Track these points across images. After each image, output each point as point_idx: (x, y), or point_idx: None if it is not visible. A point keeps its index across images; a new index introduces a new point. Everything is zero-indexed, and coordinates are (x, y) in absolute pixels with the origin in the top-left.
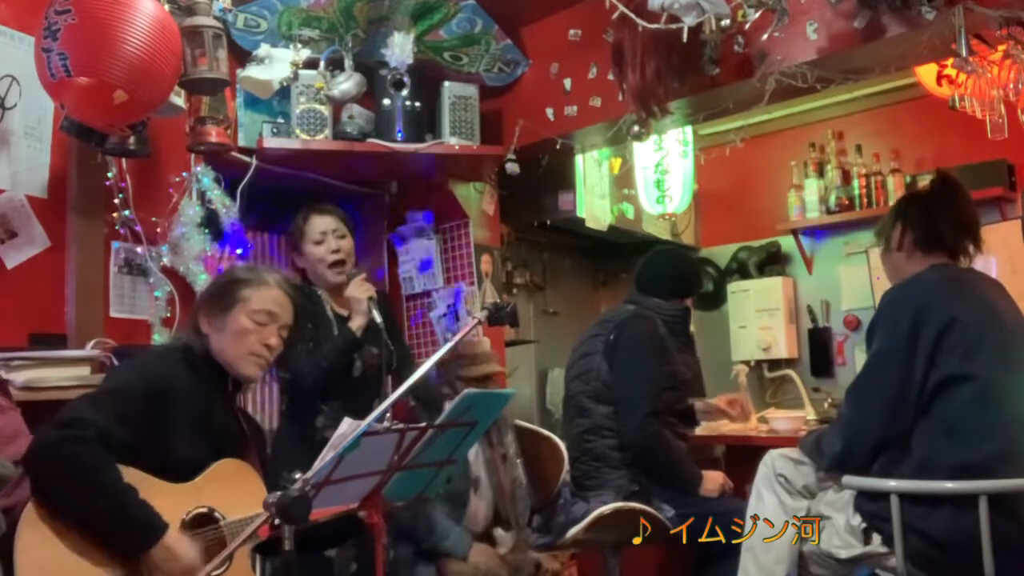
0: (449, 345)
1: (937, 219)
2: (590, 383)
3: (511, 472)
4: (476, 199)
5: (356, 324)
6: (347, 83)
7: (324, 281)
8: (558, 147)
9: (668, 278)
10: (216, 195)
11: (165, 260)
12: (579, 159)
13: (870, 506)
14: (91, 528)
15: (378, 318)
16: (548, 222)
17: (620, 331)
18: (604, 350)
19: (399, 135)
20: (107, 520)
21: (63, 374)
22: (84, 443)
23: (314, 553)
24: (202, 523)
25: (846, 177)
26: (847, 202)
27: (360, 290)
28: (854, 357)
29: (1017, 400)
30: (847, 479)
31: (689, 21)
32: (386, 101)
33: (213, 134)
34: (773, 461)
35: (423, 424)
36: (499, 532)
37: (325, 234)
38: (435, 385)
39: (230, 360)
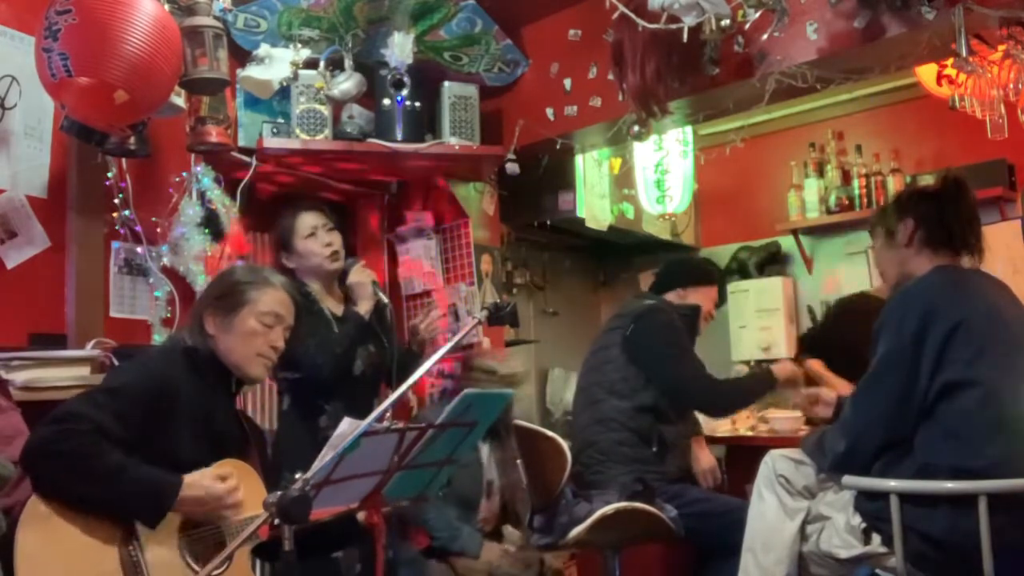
0: (449, 345)
1: (949, 218)
2: (606, 374)
3: (514, 472)
4: (476, 199)
5: (363, 309)
6: (347, 83)
7: (320, 275)
8: (558, 147)
9: (676, 270)
10: (216, 195)
11: (165, 260)
12: (579, 159)
13: (870, 506)
14: (106, 512)
15: (384, 299)
16: (548, 222)
17: (639, 322)
18: (622, 342)
19: (399, 135)
20: (119, 499)
21: (63, 374)
22: (78, 436)
23: (320, 555)
24: (202, 523)
25: (846, 177)
26: (847, 202)
27: (363, 275)
28: None
29: (1020, 406)
30: (847, 479)
31: (689, 21)
32: (386, 101)
33: (213, 134)
34: (774, 461)
35: (423, 424)
36: (508, 529)
37: (316, 227)
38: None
39: (238, 361)
